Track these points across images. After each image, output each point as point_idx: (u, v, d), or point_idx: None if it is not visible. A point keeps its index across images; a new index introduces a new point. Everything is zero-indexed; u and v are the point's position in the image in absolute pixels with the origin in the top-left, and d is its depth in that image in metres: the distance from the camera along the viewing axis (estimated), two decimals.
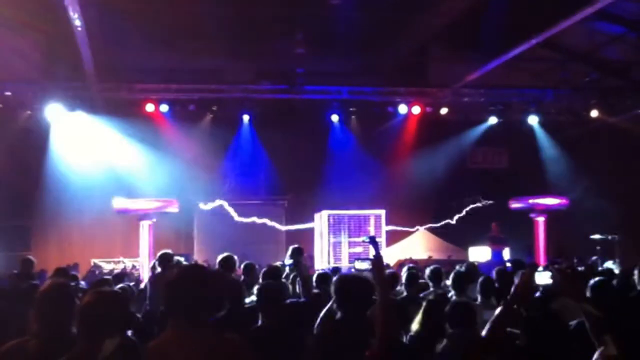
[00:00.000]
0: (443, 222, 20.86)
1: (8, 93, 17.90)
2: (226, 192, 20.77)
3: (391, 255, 18.70)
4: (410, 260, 16.48)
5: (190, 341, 3.51)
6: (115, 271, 15.13)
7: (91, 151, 19.59)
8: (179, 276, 3.72)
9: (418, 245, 20.12)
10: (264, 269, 8.27)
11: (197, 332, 3.54)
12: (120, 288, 7.77)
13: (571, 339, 4.61)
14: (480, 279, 7.96)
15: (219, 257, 8.79)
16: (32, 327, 4.28)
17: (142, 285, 12.13)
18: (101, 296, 4.05)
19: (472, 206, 20.64)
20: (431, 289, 8.62)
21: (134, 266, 18.27)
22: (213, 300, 3.71)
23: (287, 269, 8.55)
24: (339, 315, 5.03)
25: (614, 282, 8.35)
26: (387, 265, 13.66)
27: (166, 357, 3.51)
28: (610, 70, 18.50)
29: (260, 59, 17.37)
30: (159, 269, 10.42)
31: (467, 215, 20.55)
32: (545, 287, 7.48)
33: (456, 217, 20.69)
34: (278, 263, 9.57)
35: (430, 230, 20.93)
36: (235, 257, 8.87)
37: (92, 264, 18.51)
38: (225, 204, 20.24)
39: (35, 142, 19.28)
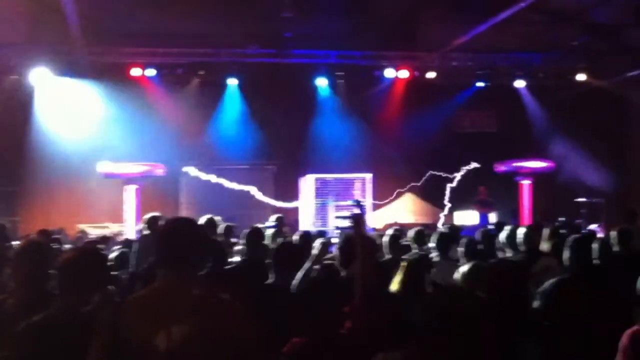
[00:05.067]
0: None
1: None
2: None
3: (378, 219, 18.76)
4: (396, 224, 16.54)
5: (175, 294, 3.46)
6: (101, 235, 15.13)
7: (77, 115, 19.53)
8: (173, 226, 3.75)
9: (404, 209, 20.16)
10: (246, 230, 8.24)
11: (184, 285, 3.49)
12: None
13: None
14: (464, 240, 7.99)
15: (201, 219, 8.84)
16: (8, 286, 4.29)
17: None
18: (80, 252, 4.05)
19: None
20: (414, 251, 8.66)
21: (120, 231, 18.24)
22: (203, 252, 3.69)
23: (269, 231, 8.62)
24: (316, 273, 5.10)
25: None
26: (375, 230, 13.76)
27: (146, 309, 3.42)
28: (599, 33, 18.43)
29: (248, 22, 17.23)
30: (146, 232, 10.45)
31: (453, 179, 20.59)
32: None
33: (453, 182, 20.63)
34: (260, 225, 9.61)
35: (416, 193, 20.93)
36: (218, 219, 8.93)
37: (78, 229, 18.46)
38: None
39: (20, 106, 19.17)
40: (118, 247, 11.33)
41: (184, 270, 3.53)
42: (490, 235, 8.93)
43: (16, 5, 15.88)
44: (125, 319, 3.38)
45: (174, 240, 3.60)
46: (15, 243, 8.13)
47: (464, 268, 5.20)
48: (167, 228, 3.75)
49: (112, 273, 6.19)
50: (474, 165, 20.22)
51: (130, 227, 18.04)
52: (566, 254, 5.79)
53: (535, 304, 5.27)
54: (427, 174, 20.78)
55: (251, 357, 3.50)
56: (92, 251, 4.25)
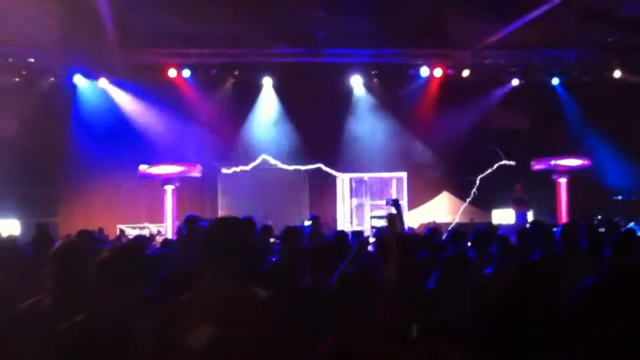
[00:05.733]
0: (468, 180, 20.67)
1: (31, 60, 18.05)
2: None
3: (414, 219, 18.70)
4: (433, 223, 16.48)
5: (212, 294, 3.51)
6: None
7: (114, 117, 19.74)
8: (216, 226, 3.79)
9: (441, 208, 20.06)
10: (283, 230, 8.28)
11: (223, 285, 3.54)
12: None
13: None
14: (499, 239, 7.93)
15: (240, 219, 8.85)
16: (47, 286, 4.30)
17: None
18: (119, 252, 4.07)
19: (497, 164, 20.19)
20: (451, 249, 8.61)
21: (159, 231, 18.40)
22: (244, 252, 3.72)
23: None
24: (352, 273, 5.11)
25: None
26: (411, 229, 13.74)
27: (184, 310, 3.51)
28: (633, 28, 18.21)
29: (280, 22, 17.27)
30: (185, 233, 10.50)
31: (490, 177, 20.37)
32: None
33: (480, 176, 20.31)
34: (296, 224, 9.62)
35: (453, 193, 20.80)
36: (256, 219, 8.94)
37: (118, 230, 18.64)
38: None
39: (58, 108, 19.45)
40: (156, 247, 11.44)
41: (225, 269, 3.58)
42: (526, 234, 8.85)
43: (52, 9, 16.09)
44: (164, 320, 3.48)
45: (217, 240, 3.66)
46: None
47: (492, 267, 5.20)
48: (210, 228, 3.79)
49: (150, 273, 6.23)
50: (505, 162, 19.99)
51: (168, 227, 18.18)
52: (606, 252, 5.76)
53: (573, 302, 5.24)
54: (462, 173, 20.66)
55: (281, 355, 3.51)
56: (130, 251, 4.27)
